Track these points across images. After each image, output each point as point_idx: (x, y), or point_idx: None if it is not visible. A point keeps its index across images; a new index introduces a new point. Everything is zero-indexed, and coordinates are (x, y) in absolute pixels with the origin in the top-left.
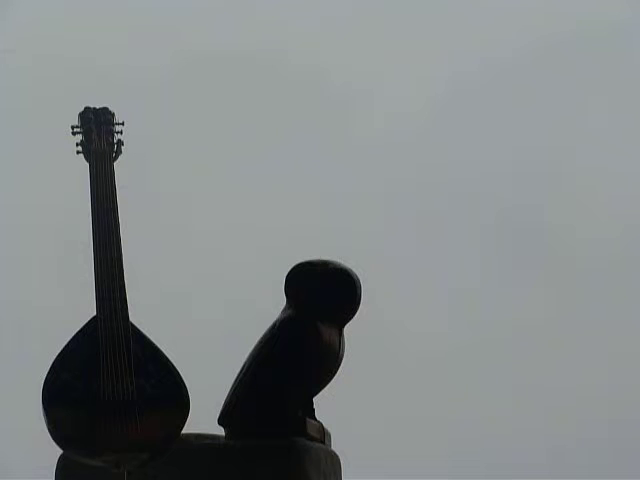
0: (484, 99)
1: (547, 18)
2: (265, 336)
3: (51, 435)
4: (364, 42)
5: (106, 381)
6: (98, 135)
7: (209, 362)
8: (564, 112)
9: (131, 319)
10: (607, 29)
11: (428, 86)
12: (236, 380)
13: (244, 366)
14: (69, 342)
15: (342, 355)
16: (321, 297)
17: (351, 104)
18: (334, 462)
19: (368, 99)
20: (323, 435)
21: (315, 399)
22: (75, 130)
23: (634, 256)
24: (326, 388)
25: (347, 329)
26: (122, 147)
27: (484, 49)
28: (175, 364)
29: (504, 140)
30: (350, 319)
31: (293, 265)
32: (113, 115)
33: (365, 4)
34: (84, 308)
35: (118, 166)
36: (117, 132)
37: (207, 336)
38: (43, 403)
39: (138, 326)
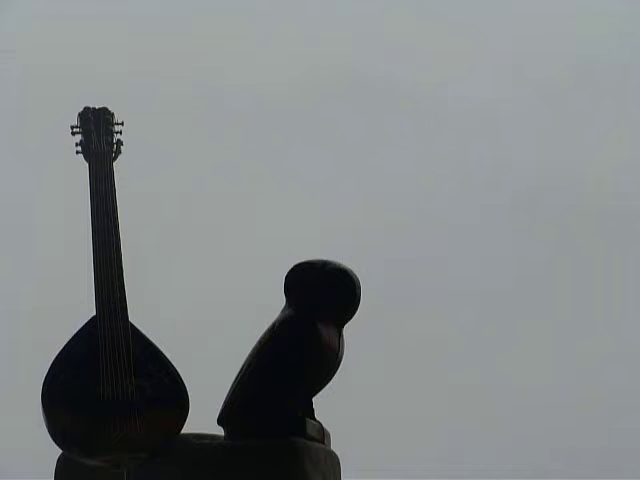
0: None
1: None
2: (265, 336)
3: (51, 435)
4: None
5: (106, 381)
6: (97, 135)
7: (209, 362)
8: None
9: (131, 319)
10: None
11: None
12: (236, 380)
13: (244, 366)
14: (69, 342)
15: (341, 355)
16: (321, 297)
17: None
18: (334, 462)
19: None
20: (323, 435)
21: (315, 399)
22: (75, 130)
23: None
24: (326, 388)
25: (347, 328)
26: (121, 147)
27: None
28: (175, 364)
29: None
30: (350, 319)
31: (293, 265)
32: (112, 115)
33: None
34: (84, 308)
35: (118, 166)
36: (116, 132)
37: (207, 336)
38: (43, 403)
39: (138, 326)
